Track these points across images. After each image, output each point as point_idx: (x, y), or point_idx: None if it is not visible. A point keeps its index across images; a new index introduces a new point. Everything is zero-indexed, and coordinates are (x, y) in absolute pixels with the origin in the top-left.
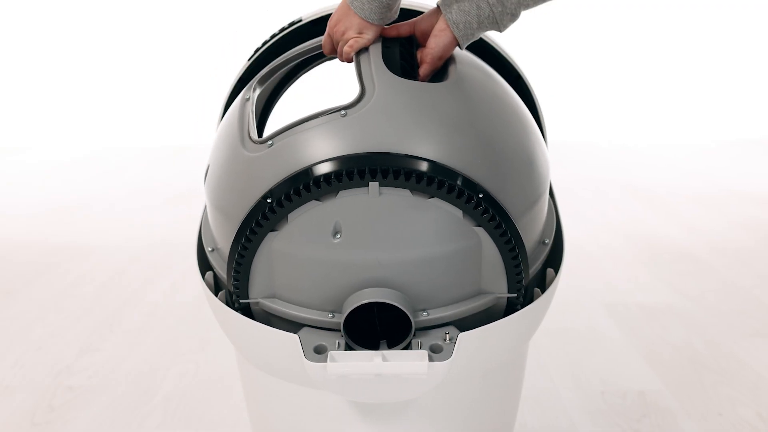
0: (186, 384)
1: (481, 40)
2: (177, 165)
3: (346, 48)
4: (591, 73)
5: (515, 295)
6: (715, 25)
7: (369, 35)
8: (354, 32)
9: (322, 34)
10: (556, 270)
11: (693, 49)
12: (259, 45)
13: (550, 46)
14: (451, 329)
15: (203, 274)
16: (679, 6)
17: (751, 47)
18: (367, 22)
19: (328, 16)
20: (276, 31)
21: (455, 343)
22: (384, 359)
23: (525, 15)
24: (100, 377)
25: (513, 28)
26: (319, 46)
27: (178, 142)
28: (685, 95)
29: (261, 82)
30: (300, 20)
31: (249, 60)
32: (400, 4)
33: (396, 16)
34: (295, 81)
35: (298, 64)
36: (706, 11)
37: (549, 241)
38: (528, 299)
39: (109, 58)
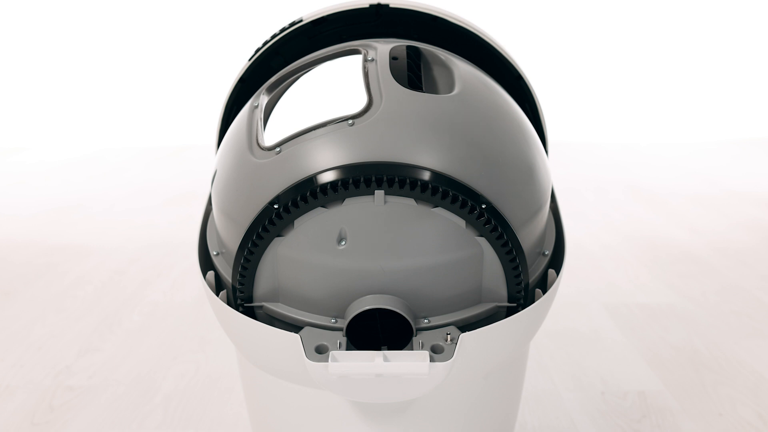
0: (186, 384)
1: (480, 40)
2: (177, 165)
3: None
4: (592, 72)
5: (515, 304)
6: (716, 23)
7: None
8: None
9: (323, 34)
10: (558, 271)
11: (694, 48)
12: (260, 45)
13: (550, 46)
14: (452, 330)
15: (204, 274)
16: (679, 5)
17: (752, 46)
18: None
19: (329, 16)
20: (277, 31)
21: (456, 343)
22: (385, 359)
23: (526, 14)
24: (100, 377)
25: (513, 28)
26: (334, 53)
27: (178, 142)
28: (686, 94)
29: (270, 89)
30: (301, 20)
31: (250, 60)
32: None
33: None
34: (294, 83)
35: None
36: (707, 10)
37: (549, 252)
38: (529, 300)
39: (109, 59)
